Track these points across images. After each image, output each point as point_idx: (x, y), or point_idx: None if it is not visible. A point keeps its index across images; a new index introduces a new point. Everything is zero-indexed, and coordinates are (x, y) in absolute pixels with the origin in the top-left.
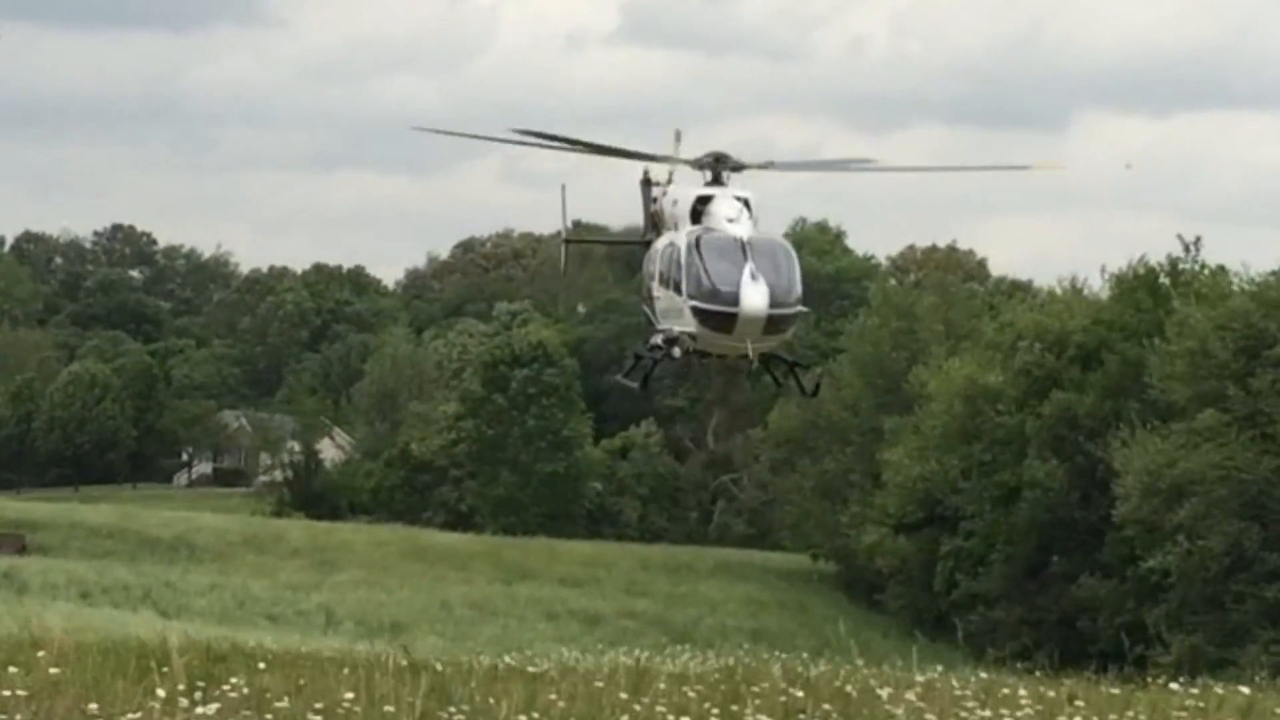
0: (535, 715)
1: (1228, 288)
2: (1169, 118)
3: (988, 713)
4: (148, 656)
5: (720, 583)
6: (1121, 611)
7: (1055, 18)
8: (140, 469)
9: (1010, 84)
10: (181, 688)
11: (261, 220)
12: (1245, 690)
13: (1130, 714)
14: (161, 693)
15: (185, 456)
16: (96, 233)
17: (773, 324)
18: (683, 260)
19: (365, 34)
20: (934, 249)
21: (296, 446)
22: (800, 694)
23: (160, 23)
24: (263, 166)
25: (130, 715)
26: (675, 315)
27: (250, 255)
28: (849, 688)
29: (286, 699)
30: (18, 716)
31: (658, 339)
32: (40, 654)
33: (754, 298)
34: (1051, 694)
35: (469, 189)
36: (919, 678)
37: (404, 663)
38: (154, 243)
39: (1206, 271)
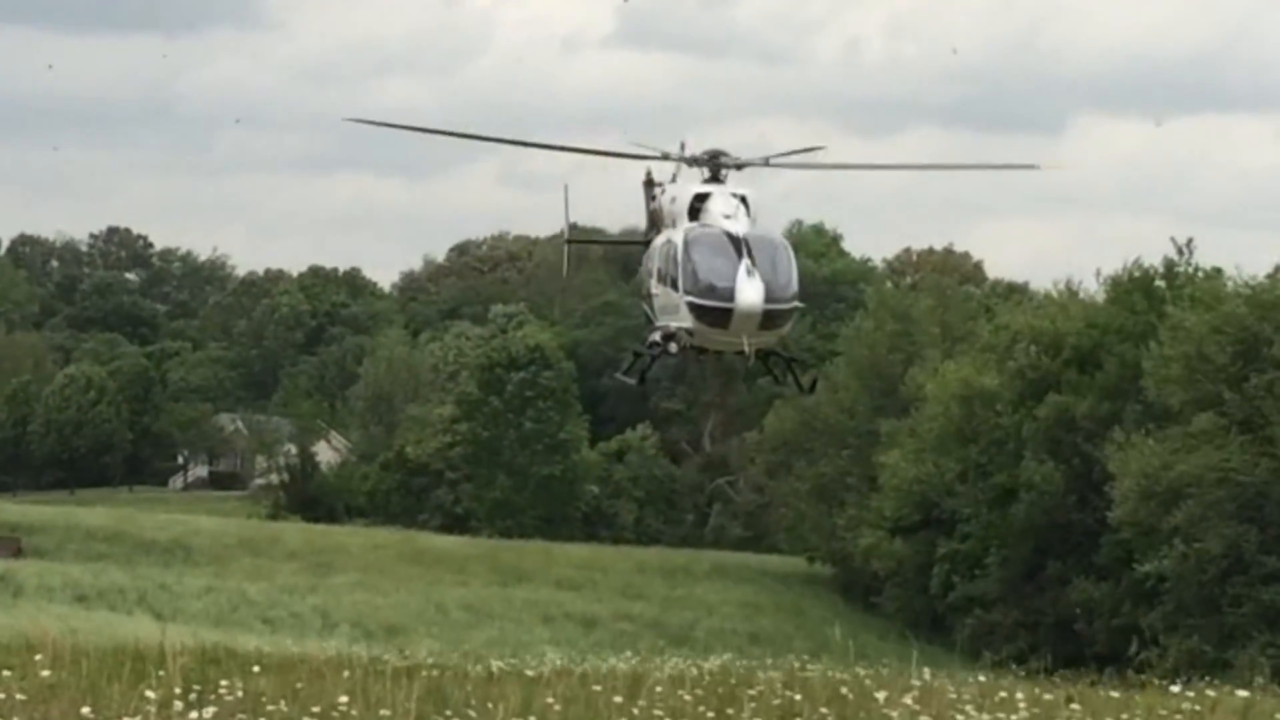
0: (532, 719)
1: (1222, 291)
2: (1164, 121)
3: (985, 716)
4: (143, 660)
5: (717, 585)
6: (1118, 614)
7: (1051, 21)
8: (136, 472)
9: (1007, 87)
10: (177, 691)
11: (257, 223)
12: (1243, 693)
13: (1126, 717)
14: (157, 696)
15: (181, 460)
16: (93, 235)
17: (769, 319)
18: (679, 256)
19: (361, 37)
20: (930, 251)
21: (293, 449)
22: (797, 697)
23: (156, 26)
24: (259, 169)
25: (125, 719)
26: (672, 311)
27: (246, 258)
28: (845, 690)
29: (282, 702)
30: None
31: (655, 335)
32: (36, 657)
33: (749, 293)
34: (1048, 697)
35: (465, 192)
36: (915, 681)
37: (401, 665)
38: (150, 246)
39: (1200, 274)
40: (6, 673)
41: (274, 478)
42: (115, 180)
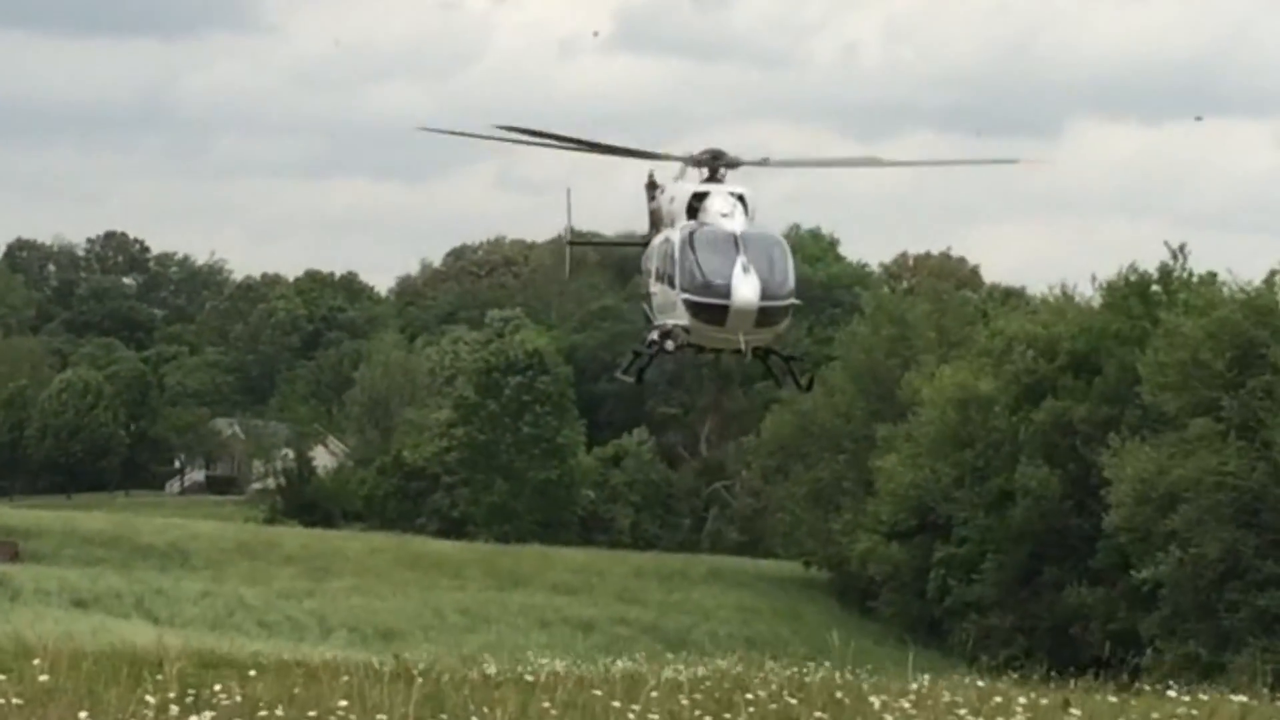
0: None
1: (1217, 296)
2: (1160, 125)
3: None
4: (140, 664)
5: (713, 590)
6: (1114, 619)
7: (1047, 26)
8: (133, 476)
9: (1003, 92)
10: (173, 696)
11: (255, 227)
12: (1240, 699)
13: None
14: (154, 700)
15: (178, 464)
16: (89, 239)
17: (765, 317)
18: (676, 254)
19: (358, 40)
20: (927, 256)
21: (289, 454)
22: (794, 701)
23: (153, 29)
24: (256, 173)
25: None
26: (670, 309)
27: (243, 262)
28: (841, 694)
29: (279, 707)
30: None
31: (653, 334)
32: (34, 662)
33: (745, 290)
34: (1045, 701)
35: (462, 196)
36: (913, 685)
37: (398, 669)
38: (147, 250)
39: (1194, 279)
40: (2, 677)
41: (271, 482)
42: (112, 184)
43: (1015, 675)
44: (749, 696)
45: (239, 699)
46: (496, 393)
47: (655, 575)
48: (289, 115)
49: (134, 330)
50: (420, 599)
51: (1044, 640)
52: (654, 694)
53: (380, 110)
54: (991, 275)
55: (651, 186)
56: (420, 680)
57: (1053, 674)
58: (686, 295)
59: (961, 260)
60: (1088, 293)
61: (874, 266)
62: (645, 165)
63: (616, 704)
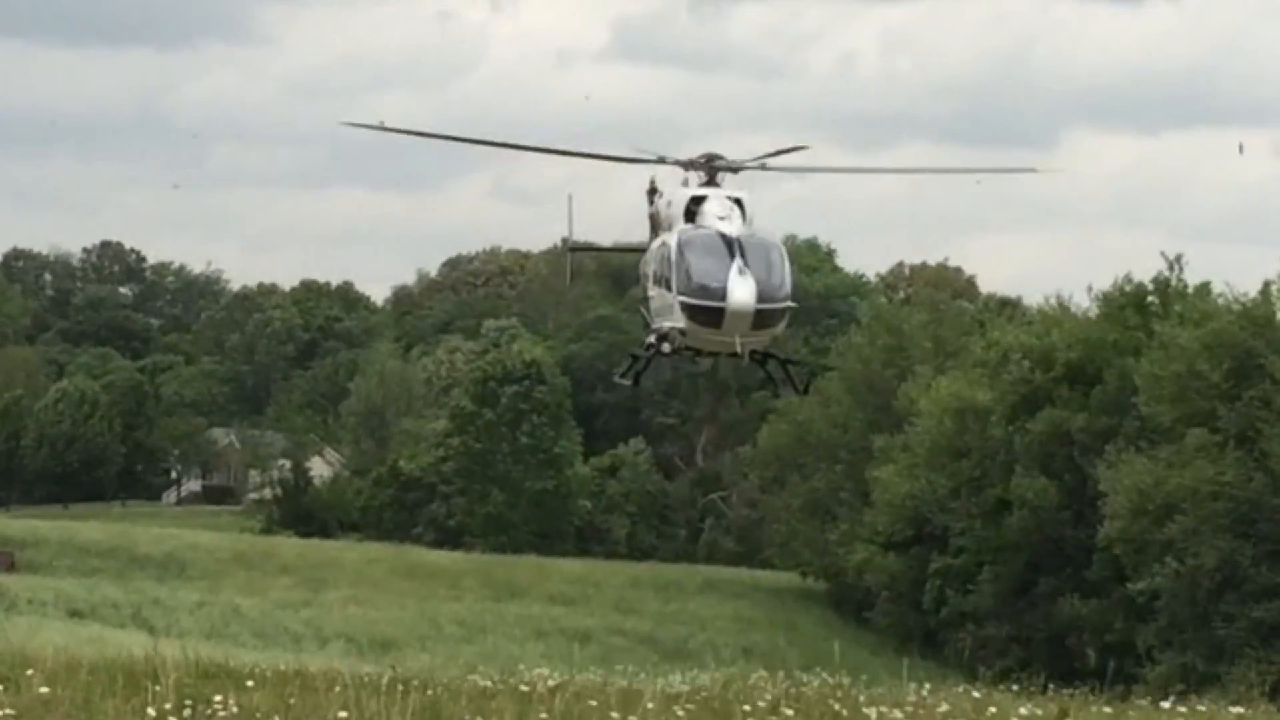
0: None
1: (1213, 307)
2: (1157, 135)
3: None
4: (137, 675)
5: (709, 600)
6: (1111, 630)
7: (1044, 36)
8: (129, 486)
9: (999, 102)
10: (170, 706)
11: (251, 237)
12: (1237, 710)
13: None
14: (152, 711)
15: (174, 474)
16: (85, 249)
17: (760, 319)
18: (673, 257)
19: (354, 51)
20: (924, 266)
21: (286, 464)
22: (790, 712)
23: (149, 40)
24: (252, 183)
25: None
26: (667, 312)
27: (240, 272)
28: (838, 706)
29: (276, 717)
30: None
31: (651, 337)
32: (29, 672)
33: (741, 293)
34: (1041, 712)
35: (458, 206)
36: (911, 697)
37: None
38: (143, 259)
39: (1189, 290)
40: (0, 687)
41: (267, 492)
42: (108, 194)
43: (1015, 688)
44: (745, 708)
45: (236, 709)
46: (493, 402)
47: (651, 586)
48: (285, 125)
49: (130, 340)
50: (417, 609)
51: (1040, 651)
52: (650, 705)
53: (377, 120)
54: (988, 285)
55: (652, 192)
56: (416, 691)
57: (1050, 685)
58: (683, 298)
59: (958, 270)
60: (1084, 303)
61: (871, 277)
62: (644, 174)
63: (615, 715)
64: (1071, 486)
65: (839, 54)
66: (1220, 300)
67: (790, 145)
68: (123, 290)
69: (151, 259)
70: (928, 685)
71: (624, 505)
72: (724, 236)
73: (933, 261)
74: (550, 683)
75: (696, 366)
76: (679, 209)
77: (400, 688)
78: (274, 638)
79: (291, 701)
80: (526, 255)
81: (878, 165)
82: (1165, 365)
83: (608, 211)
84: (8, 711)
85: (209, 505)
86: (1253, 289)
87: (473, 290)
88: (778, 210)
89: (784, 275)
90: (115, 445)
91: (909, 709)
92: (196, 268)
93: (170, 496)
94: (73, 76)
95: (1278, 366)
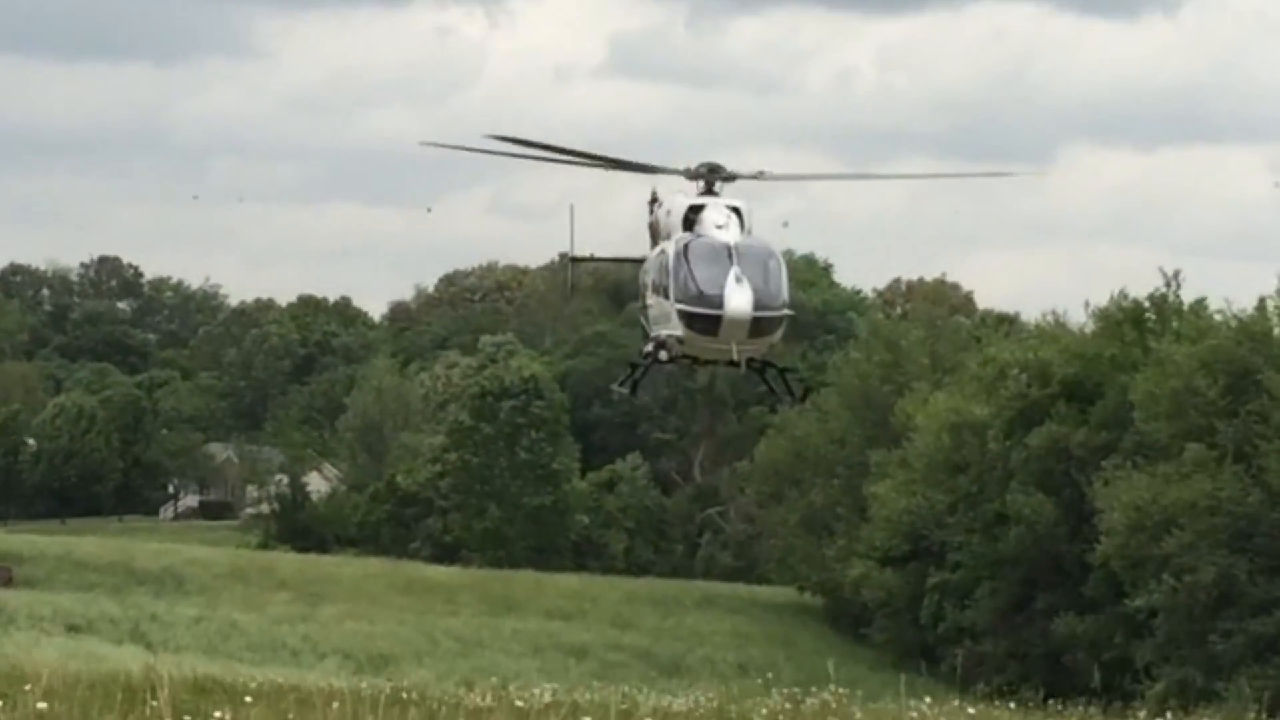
0: None
1: (1209, 323)
2: (1154, 151)
3: None
4: (135, 690)
5: (707, 615)
6: (1109, 646)
7: (1041, 52)
8: (127, 501)
9: (996, 118)
10: None
11: (249, 252)
12: None
13: None
14: None
15: (172, 489)
16: (83, 264)
17: (757, 326)
18: (671, 265)
19: (352, 66)
20: (921, 282)
21: (283, 479)
22: None
23: (148, 54)
24: (250, 198)
25: None
26: (665, 320)
27: (238, 287)
28: None
29: None
30: None
31: (649, 346)
32: (27, 688)
33: (738, 300)
34: None
35: (456, 221)
36: (912, 715)
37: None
38: (141, 275)
39: (1186, 307)
40: None
41: (265, 507)
42: (106, 209)
43: (1012, 705)
44: None
45: None
46: (491, 417)
47: (649, 601)
48: (283, 140)
49: (128, 355)
50: (414, 624)
51: (1038, 667)
52: None
53: (374, 135)
54: (986, 301)
55: (654, 201)
56: (414, 706)
57: (1048, 700)
58: (680, 305)
59: (956, 286)
60: (1081, 319)
61: (868, 292)
62: (644, 187)
63: None
64: (1069, 502)
65: (837, 69)
66: (1218, 317)
67: (792, 168)
68: (121, 305)
69: (149, 274)
70: (928, 699)
71: (621, 520)
72: (722, 244)
73: (930, 277)
74: (545, 699)
75: (694, 381)
76: (678, 217)
77: (398, 703)
78: (271, 653)
79: (289, 717)
80: (524, 270)
81: (872, 184)
82: (1162, 382)
83: (605, 229)
84: None
85: (206, 520)
86: (1249, 305)
87: (470, 306)
88: (774, 225)
89: (781, 283)
90: (113, 460)
91: None
92: (195, 283)
93: (168, 511)
94: (72, 91)
95: (1275, 382)
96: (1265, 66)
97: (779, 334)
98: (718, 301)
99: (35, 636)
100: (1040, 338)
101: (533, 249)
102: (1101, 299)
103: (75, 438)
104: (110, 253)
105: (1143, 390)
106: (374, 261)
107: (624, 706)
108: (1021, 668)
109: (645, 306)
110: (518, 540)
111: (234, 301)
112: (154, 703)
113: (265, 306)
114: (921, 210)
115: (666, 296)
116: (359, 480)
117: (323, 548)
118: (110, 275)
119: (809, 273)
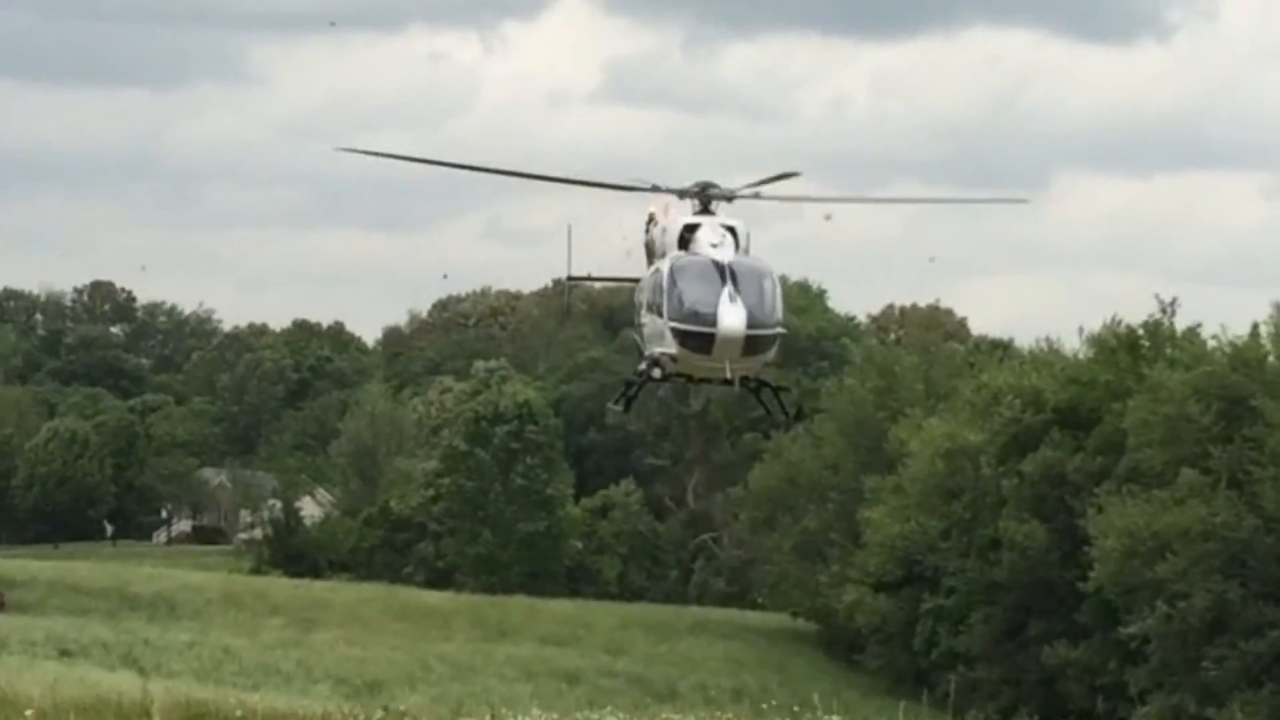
0: None
1: (1203, 350)
2: (1148, 178)
3: None
4: (127, 715)
5: (700, 641)
6: (1103, 672)
7: (1034, 79)
8: (120, 526)
9: (990, 144)
10: None
11: (243, 277)
12: None
13: None
14: None
15: (165, 514)
16: (77, 289)
17: (751, 345)
18: (665, 284)
19: (347, 92)
20: (915, 308)
21: (277, 504)
22: None
23: (142, 80)
24: (245, 223)
25: None
26: (659, 338)
27: (231, 312)
28: None
29: None
30: None
31: (643, 364)
32: (27, 713)
33: (731, 319)
34: None
35: (449, 247)
36: None
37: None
38: (134, 299)
39: (1179, 334)
40: None
41: (258, 532)
42: (100, 234)
43: None
44: None
45: None
46: (485, 443)
47: (642, 626)
48: (277, 166)
49: (121, 380)
50: (407, 650)
51: (1032, 693)
52: None
53: (369, 162)
54: (979, 327)
55: (650, 221)
56: None
57: None
58: (674, 323)
59: (949, 312)
60: (1075, 345)
61: (862, 318)
62: (638, 212)
63: None
64: (1063, 529)
65: (830, 96)
66: (1212, 343)
67: (785, 193)
68: (114, 330)
69: (143, 299)
70: None
71: (615, 546)
72: (715, 263)
73: (924, 303)
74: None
75: (688, 407)
76: (673, 236)
77: None
78: (264, 678)
79: None
80: (517, 296)
81: (866, 210)
82: (1156, 408)
83: (600, 251)
84: None
85: (199, 545)
86: (1243, 331)
87: (463, 331)
88: (769, 251)
89: (774, 302)
90: (106, 485)
91: None
92: (188, 308)
93: (161, 536)
94: (67, 117)
95: (1268, 408)
96: (1258, 93)
97: (772, 352)
98: (711, 320)
99: (28, 661)
100: (1034, 364)
101: (526, 274)
102: (1095, 325)
103: (68, 462)
104: (104, 277)
105: (1136, 416)
106: (367, 287)
107: None
108: (1015, 694)
109: (640, 324)
110: (511, 566)
111: (228, 326)
112: None
113: (259, 331)
114: (915, 237)
115: (661, 314)
116: (352, 505)
117: (316, 573)
118: (104, 300)
119: (803, 298)
